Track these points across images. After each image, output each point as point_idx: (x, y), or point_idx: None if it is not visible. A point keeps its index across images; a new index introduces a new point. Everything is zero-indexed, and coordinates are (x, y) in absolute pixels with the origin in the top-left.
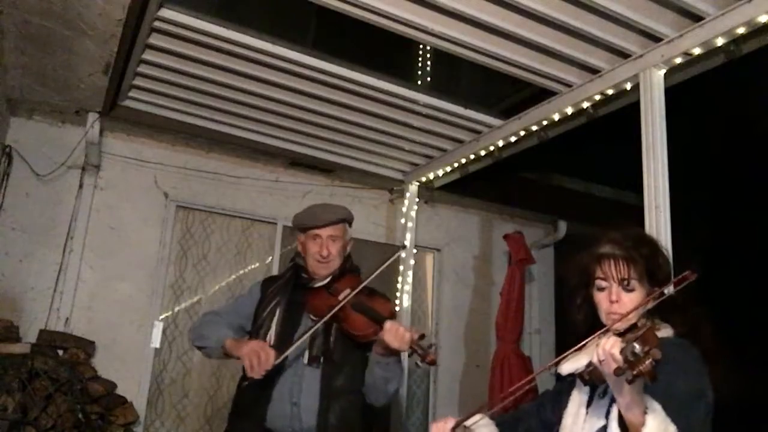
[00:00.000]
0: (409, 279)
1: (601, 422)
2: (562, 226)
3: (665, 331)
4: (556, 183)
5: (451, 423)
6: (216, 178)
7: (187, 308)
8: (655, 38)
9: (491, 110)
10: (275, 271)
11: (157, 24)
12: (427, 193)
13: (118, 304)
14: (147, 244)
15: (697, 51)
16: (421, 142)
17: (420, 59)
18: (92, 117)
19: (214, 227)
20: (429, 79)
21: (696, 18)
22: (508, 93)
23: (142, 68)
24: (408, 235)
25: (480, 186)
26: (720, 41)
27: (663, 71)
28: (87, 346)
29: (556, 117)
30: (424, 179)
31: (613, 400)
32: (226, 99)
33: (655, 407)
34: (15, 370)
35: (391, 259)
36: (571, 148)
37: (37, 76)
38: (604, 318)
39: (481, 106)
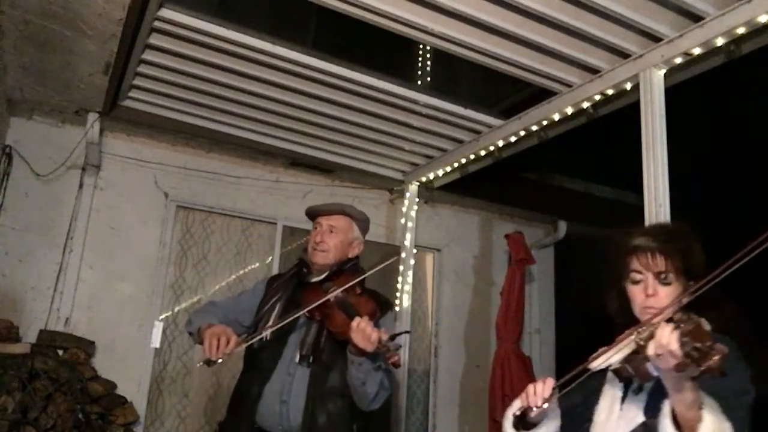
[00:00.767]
0: (409, 279)
1: (639, 418)
2: (562, 226)
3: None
4: (556, 183)
5: (551, 384)
6: (216, 178)
7: (187, 308)
8: (655, 38)
9: (491, 110)
10: (275, 271)
11: (157, 24)
12: (427, 193)
13: (118, 304)
14: (147, 244)
15: (697, 51)
16: (421, 142)
17: (420, 59)
18: (92, 117)
19: (214, 227)
20: (429, 79)
21: (696, 18)
22: (508, 93)
23: (142, 68)
24: (408, 235)
25: (480, 186)
26: (720, 41)
27: (663, 71)
28: (87, 346)
29: (556, 117)
30: (424, 179)
31: (651, 396)
32: (226, 99)
33: (711, 403)
34: (15, 370)
35: (386, 263)
36: (571, 148)
37: (37, 76)
38: (638, 312)
39: (481, 106)
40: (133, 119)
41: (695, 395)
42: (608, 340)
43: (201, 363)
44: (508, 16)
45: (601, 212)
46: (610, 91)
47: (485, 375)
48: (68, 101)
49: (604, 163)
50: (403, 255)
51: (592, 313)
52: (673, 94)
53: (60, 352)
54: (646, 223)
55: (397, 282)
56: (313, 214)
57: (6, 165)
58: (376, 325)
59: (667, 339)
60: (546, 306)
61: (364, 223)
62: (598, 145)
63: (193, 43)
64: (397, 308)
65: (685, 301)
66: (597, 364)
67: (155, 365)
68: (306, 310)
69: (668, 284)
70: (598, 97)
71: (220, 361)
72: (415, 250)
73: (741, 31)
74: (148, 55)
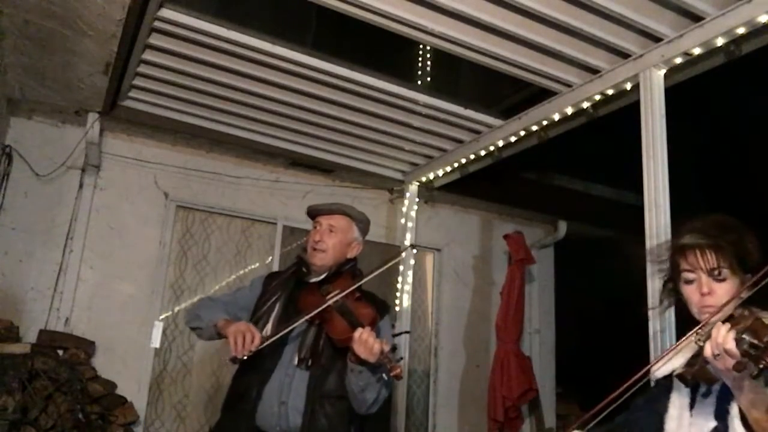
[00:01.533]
0: (409, 279)
1: (710, 423)
2: (562, 226)
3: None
4: (556, 183)
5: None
6: (216, 178)
7: (187, 308)
8: (655, 38)
9: (491, 110)
10: None
11: (157, 24)
12: (427, 193)
13: (118, 304)
14: (147, 244)
15: (697, 51)
16: (421, 142)
17: (420, 59)
18: (92, 117)
19: (214, 227)
20: (429, 79)
21: (696, 18)
22: (508, 93)
23: (142, 68)
24: (408, 235)
25: (480, 186)
26: (720, 41)
27: (663, 71)
28: (87, 346)
29: (556, 117)
30: (424, 179)
31: (720, 399)
32: (226, 99)
33: None
34: (15, 370)
35: (388, 264)
36: (571, 148)
37: (37, 76)
38: (696, 313)
39: (481, 106)
40: (133, 119)
41: (759, 395)
42: (608, 339)
43: (227, 360)
44: (508, 16)
45: (601, 212)
46: (610, 91)
47: (485, 375)
48: (68, 101)
49: (604, 163)
50: (404, 255)
51: (592, 313)
52: (673, 94)
53: (60, 352)
54: (646, 223)
55: (397, 282)
56: (313, 213)
57: (6, 165)
58: (374, 330)
59: (722, 338)
60: (546, 306)
61: (364, 225)
62: (598, 146)
63: (193, 43)
64: (396, 308)
65: (744, 295)
66: (660, 369)
67: (155, 365)
68: (310, 316)
69: (723, 280)
70: (598, 97)
71: (245, 358)
72: (415, 250)
73: (741, 31)
74: (148, 55)
